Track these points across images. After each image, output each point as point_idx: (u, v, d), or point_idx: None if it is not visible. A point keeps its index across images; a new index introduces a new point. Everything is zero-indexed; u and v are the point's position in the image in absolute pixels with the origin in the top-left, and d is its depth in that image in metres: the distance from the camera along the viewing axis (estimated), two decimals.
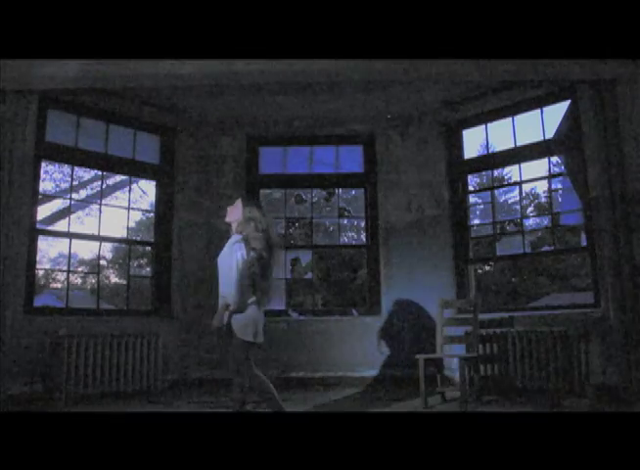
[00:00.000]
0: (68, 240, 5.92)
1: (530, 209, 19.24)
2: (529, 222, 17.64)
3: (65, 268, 14.15)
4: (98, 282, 8.08)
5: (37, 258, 5.65)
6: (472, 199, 8.58)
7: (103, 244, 10.35)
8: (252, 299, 3.54)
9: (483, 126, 6.30)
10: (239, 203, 3.75)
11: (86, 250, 26.44)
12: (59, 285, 19.51)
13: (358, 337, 6.29)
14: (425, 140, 6.53)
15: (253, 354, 3.65)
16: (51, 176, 12.73)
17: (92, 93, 5.67)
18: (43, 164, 5.99)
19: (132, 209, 6.87)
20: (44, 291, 17.51)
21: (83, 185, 11.62)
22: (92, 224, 13.90)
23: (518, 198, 10.52)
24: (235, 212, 3.72)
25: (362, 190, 7.07)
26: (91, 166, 6.73)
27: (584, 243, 5.56)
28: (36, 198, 5.50)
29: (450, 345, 5.33)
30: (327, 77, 5.05)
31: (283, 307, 6.82)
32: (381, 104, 6.31)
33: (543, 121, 5.75)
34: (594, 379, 4.84)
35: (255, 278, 3.54)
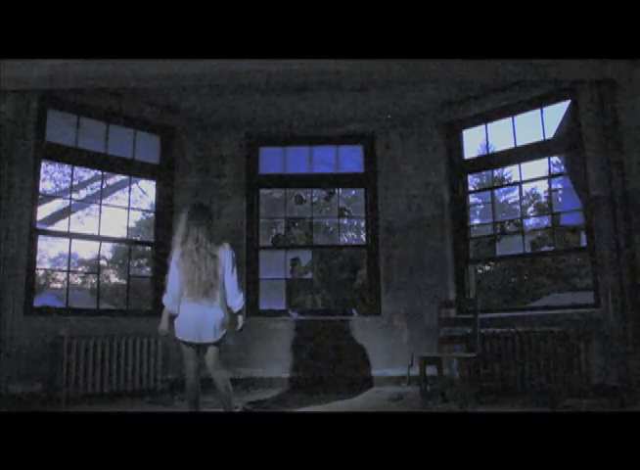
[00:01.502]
0: (68, 240, 5.91)
1: (530, 209, 19.24)
2: (529, 222, 17.63)
3: (65, 268, 14.15)
4: (98, 282, 8.07)
5: (37, 259, 5.64)
6: (472, 199, 8.57)
7: (103, 244, 10.34)
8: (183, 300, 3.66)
9: (483, 126, 6.30)
10: None
11: (86, 250, 26.43)
12: (59, 285, 19.49)
13: (358, 337, 6.29)
14: (425, 140, 6.54)
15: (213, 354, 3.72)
16: (51, 176, 12.75)
17: (92, 93, 5.67)
18: (43, 164, 5.98)
19: (132, 209, 6.87)
20: (44, 291, 17.50)
21: (83, 185, 11.64)
22: (92, 224, 13.92)
23: (518, 198, 10.52)
24: None
25: (362, 190, 7.07)
26: (91, 166, 6.73)
27: (584, 243, 5.56)
28: (36, 198, 5.49)
29: (450, 345, 5.33)
30: (327, 77, 5.05)
31: (283, 307, 6.82)
32: (381, 104, 6.31)
33: (543, 121, 5.76)
34: (594, 379, 4.84)
35: (177, 280, 3.67)
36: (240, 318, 3.82)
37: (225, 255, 3.70)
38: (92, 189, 11.42)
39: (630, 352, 4.69)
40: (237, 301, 3.75)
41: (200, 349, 3.72)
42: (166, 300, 3.74)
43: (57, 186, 12.79)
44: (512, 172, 17.23)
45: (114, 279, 21.33)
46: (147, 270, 17.21)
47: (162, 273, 6.29)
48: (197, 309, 3.61)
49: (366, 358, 6.20)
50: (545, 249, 13.20)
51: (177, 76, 4.84)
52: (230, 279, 3.71)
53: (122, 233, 11.60)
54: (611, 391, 4.71)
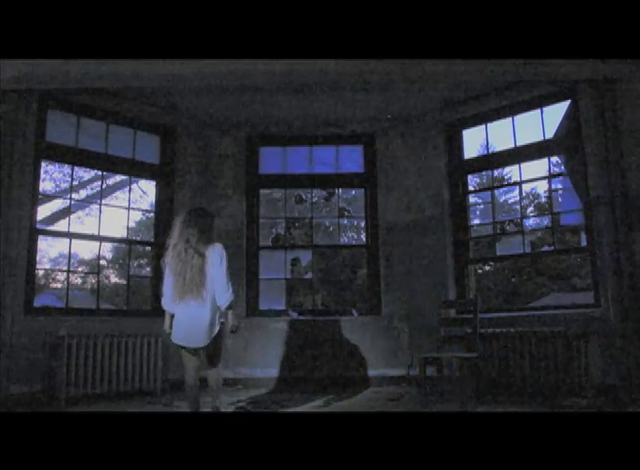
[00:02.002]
0: (68, 240, 5.92)
1: (530, 209, 19.25)
2: (529, 222, 17.64)
3: (65, 268, 14.15)
4: (98, 282, 8.05)
5: (37, 259, 5.64)
6: (472, 199, 8.56)
7: (103, 244, 10.35)
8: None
9: (483, 126, 6.30)
10: None
11: (86, 250, 26.46)
12: (59, 285, 19.50)
13: (358, 337, 6.29)
14: (425, 140, 6.54)
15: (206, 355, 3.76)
16: (51, 176, 12.73)
17: (92, 93, 5.67)
18: (43, 164, 5.98)
19: (132, 209, 6.87)
20: (44, 291, 17.50)
21: (83, 185, 11.61)
22: (92, 224, 13.92)
23: (518, 198, 10.52)
24: None
25: (362, 190, 7.07)
26: (91, 166, 6.73)
27: (584, 243, 5.56)
28: (36, 198, 5.49)
29: (450, 345, 5.33)
30: (327, 77, 5.05)
31: (283, 307, 6.82)
32: (381, 104, 6.31)
33: (543, 121, 5.76)
34: (594, 379, 4.84)
35: (170, 282, 3.73)
36: (230, 317, 3.72)
37: (214, 253, 3.65)
38: (92, 189, 11.39)
39: (630, 351, 4.69)
40: (224, 298, 3.64)
41: (196, 349, 3.72)
42: (163, 302, 3.81)
43: (57, 186, 12.78)
44: (512, 172, 17.27)
45: (114, 279, 21.34)
46: (147, 270, 17.20)
47: (162, 273, 6.33)
48: (186, 311, 3.60)
49: (366, 358, 6.20)
50: (545, 249, 13.21)
51: (177, 76, 4.84)
52: (217, 275, 3.63)
53: (122, 233, 11.59)
54: (611, 391, 4.71)
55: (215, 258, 3.64)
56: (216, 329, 3.68)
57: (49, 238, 13.14)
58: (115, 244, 18.33)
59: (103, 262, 19.59)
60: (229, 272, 3.70)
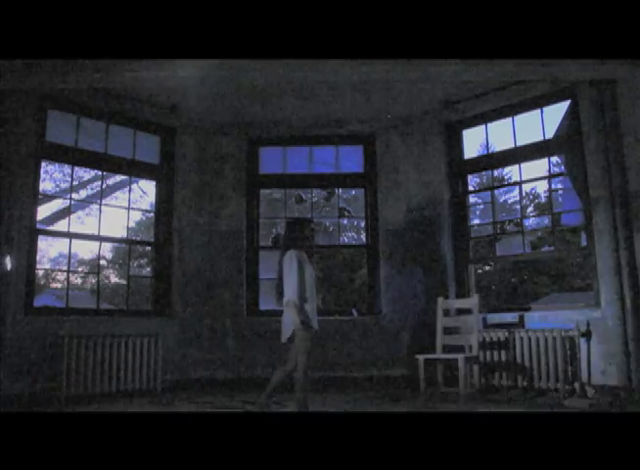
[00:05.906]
0: (68, 240, 5.92)
1: (530, 209, 19.26)
2: (529, 222, 17.65)
3: (65, 268, 14.16)
4: (98, 282, 8.04)
5: (37, 258, 5.64)
6: (472, 199, 8.57)
7: (103, 244, 10.35)
8: None
9: (483, 126, 6.30)
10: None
11: (86, 250, 26.48)
12: (59, 285, 19.53)
13: (358, 337, 6.29)
14: (425, 140, 6.53)
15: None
16: (51, 176, 12.74)
17: (92, 93, 5.68)
18: (43, 164, 5.99)
19: (132, 209, 6.87)
20: (44, 291, 17.52)
21: (83, 185, 11.63)
22: (92, 224, 13.93)
23: (518, 198, 10.52)
24: None
25: (362, 190, 7.07)
26: (91, 166, 6.73)
27: (584, 243, 5.56)
28: (36, 198, 5.50)
29: (450, 345, 5.32)
30: (327, 77, 5.05)
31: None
32: (381, 104, 6.31)
33: (543, 121, 5.76)
34: (594, 379, 4.85)
35: None
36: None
37: (283, 261, 4.12)
38: (92, 189, 11.41)
39: (630, 352, 4.70)
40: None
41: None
42: None
43: (57, 186, 12.80)
44: (512, 172, 17.29)
45: (114, 279, 21.36)
46: (147, 270, 17.23)
47: (162, 273, 6.36)
48: None
49: (366, 358, 6.20)
50: (545, 249, 13.21)
51: (177, 76, 4.83)
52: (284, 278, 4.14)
53: (122, 233, 11.62)
54: (611, 391, 4.72)
55: (285, 263, 4.09)
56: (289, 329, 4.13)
57: (49, 238, 13.16)
58: (115, 244, 18.34)
59: (103, 262, 19.60)
60: (294, 275, 4.04)
